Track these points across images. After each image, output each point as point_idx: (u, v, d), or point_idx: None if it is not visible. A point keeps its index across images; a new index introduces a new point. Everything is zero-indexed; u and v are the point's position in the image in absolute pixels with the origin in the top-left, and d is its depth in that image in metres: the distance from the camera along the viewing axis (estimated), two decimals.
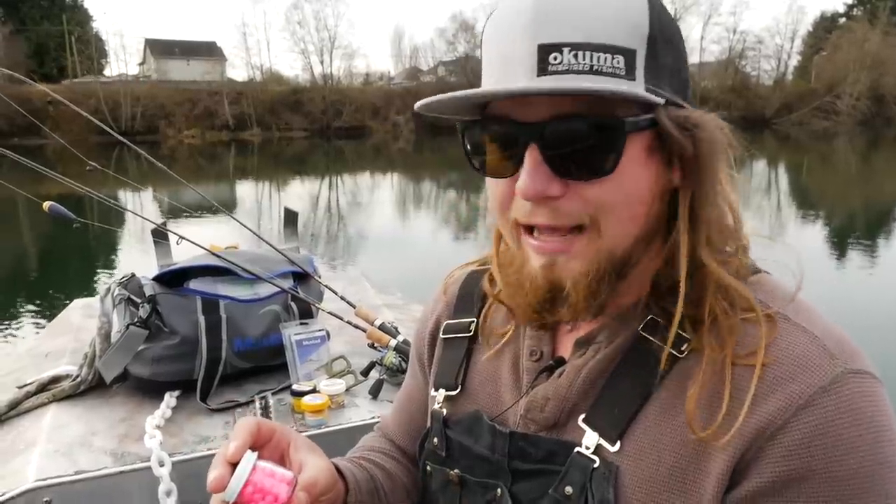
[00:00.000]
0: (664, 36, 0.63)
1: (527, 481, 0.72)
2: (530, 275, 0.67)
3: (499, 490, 0.74)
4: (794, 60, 58.81)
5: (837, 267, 8.61)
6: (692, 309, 0.64)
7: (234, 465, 0.66)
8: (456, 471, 0.79)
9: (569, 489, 0.67)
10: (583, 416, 0.69)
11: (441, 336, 0.89)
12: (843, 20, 59.91)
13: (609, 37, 0.59)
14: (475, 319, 0.85)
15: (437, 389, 0.85)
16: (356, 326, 1.89)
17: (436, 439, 0.82)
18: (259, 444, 0.70)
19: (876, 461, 0.57)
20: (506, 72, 0.62)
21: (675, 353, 0.65)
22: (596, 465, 0.66)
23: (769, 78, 56.18)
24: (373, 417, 1.57)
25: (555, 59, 0.59)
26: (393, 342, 1.78)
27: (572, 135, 0.60)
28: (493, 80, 0.64)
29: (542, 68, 0.59)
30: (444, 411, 0.83)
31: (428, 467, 0.84)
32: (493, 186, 0.69)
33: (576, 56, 0.59)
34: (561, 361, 0.74)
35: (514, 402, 0.76)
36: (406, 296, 2.68)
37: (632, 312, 0.69)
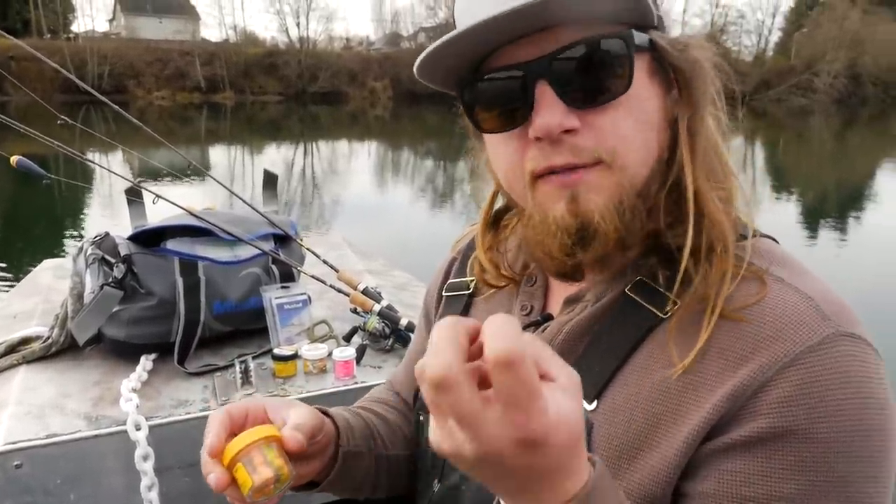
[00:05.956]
0: None
1: None
2: (555, 220, 0.64)
3: None
4: (775, 36, 59.31)
5: (809, 244, 8.77)
6: (693, 242, 0.63)
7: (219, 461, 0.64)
8: None
9: None
10: None
11: (444, 294, 0.91)
12: None
13: None
14: (474, 278, 0.86)
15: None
16: (339, 291, 1.86)
17: None
18: (237, 428, 0.67)
19: (860, 427, 0.55)
20: (496, 10, 0.58)
21: (658, 313, 0.64)
22: None
23: (749, 54, 56.58)
24: (356, 383, 1.55)
25: None
26: (376, 307, 1.75)
27: (581, 62, 0.60)
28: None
29: None
30: None
31: (420, 417, 0.85)
32: (501, 145, 0.67)
33: None
34: (548, 317, 0.73)
35: None
36: (389, 262, 2.64)
37: (621, 273, 0.68)
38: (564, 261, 0.66)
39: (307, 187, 13.26)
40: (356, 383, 1.55)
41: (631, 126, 0.62)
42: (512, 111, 0.63)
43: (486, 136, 0.70)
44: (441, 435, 0.44)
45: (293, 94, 45.47)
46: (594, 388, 0.65)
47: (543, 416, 0.41)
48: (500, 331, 0.41)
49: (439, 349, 0.42)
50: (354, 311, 1.86)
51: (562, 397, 0.43)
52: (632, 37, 0.61)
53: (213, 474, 0.62)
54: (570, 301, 0.72)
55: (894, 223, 9.60)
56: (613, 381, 0.65)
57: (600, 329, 0.68)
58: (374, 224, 9.24)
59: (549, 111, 0.60)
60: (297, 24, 52.73)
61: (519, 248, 0.80)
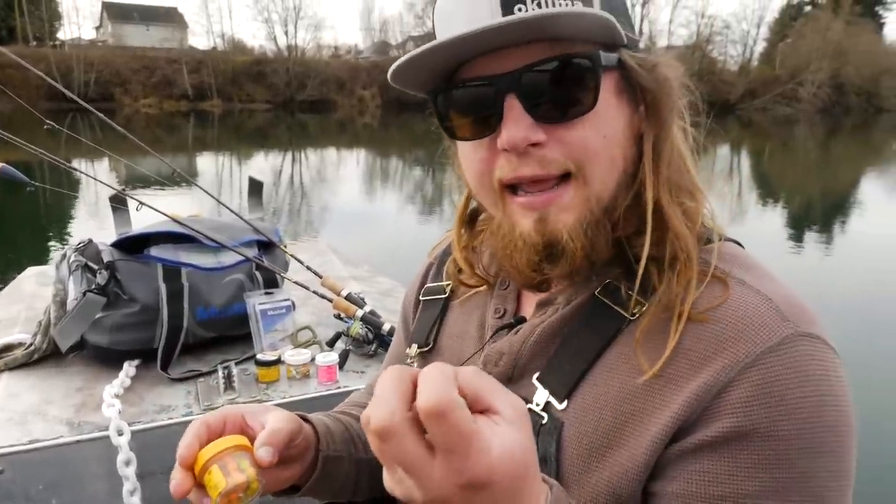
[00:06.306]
0: None
1: None
2: (522, 236, 0.67)
3: None
4: (760, 47, 60.04)
5: (795, 251, 8.86)
6: (654, 252, 0.65)
7: (191, 471, 0.63)
8: None
9: None
10: (537, 374, 0.70)
11: (421, 298, 0.92)
12: (808, 8, 61.07)
13: None
14: (451, 282, 0.88)
15: (410, 346, 0.89)
16: (322, 297, 1.87)
17: None
18: (214, 437, 0.65)
19: (818, 424, 0.57)
20: (469, 25, 0.60)
21: (626, 315, 0.66)
22: (544, 422, 0.67)
23: (735, 63, 57.21)
24: (339, 388, 1.56)
25: (518, 10, 0.61)
26: (359, 312, 1.76)
27: (549, 77, 0.62)
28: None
29: (508, 12, 0.61)
30: (415, 366, 0.85)
31: None
32: (471, 153, 0.69)
33: None
34: (521, 320, 0.76)
35: (471, 356, 0.78)
36: (373, 268, 2.66)
37: (591, 276, 0.70)
38: (532, 276, 0.69)
39: (295, 195, 13.24)
40: (339, 388, 1.56)
41: (597, 142, 0.63)
42: (482, 121, 0.65)
43: (458, 143, 0.72)
44: (392, 481, 0.46)
45: (281, 102, 45.42)
46: (565, 388, 0.67)
47: (485, 457, 0.42)
48: (432, 381, 0.42)
49: (383, 399, 0.43)
50: (338, 316, 1.88)
51: (506, 431, 0.43)
52: (598, 57, 0.62)
53: (175, 480, 0.61)
54: (543, 304, 0.74)
55: (878, 230, 9.72)
56: (583, 380, 0.67)
57: (570, 331, 0.70)
58: (362, 231, 9.25)
59: (516, 124, 0.62)
60: (286, 33, 52.88)
61: (493, 256, 0.82)
